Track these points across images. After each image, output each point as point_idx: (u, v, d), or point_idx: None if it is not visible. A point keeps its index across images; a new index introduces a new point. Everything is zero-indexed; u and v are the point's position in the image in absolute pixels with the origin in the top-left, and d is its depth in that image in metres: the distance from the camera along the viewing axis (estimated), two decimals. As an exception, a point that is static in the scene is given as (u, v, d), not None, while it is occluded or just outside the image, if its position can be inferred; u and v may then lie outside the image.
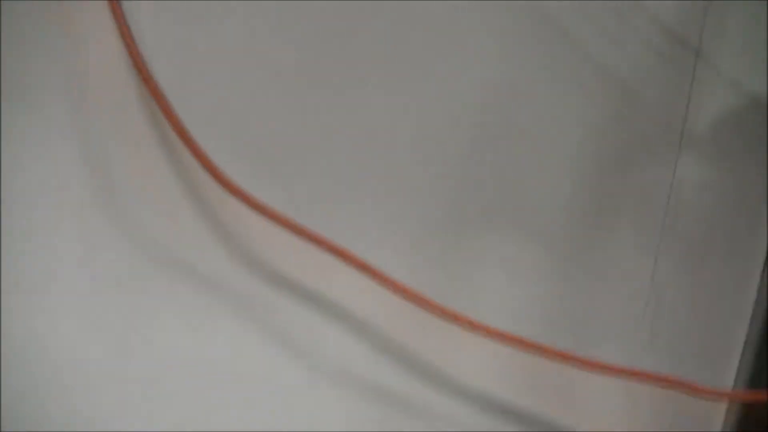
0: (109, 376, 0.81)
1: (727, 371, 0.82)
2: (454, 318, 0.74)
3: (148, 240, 0.78)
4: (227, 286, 0.79)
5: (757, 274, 0.80)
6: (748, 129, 0.77)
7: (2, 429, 0.81)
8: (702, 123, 0.77)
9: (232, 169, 0.74)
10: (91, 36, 0.73)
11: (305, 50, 0.75)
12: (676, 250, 0.79)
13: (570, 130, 0.77)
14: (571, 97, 0.77)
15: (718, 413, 0.83)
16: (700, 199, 0.79)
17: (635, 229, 0.79)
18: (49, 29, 0.73)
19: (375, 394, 0.81)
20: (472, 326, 0.74)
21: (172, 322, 0.80)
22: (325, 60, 0.75)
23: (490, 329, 0.74)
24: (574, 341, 0.78)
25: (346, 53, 0.76)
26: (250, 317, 0.80)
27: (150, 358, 0.81)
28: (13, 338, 0.79)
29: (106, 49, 0.74)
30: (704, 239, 0.80)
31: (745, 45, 0.76)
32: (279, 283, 0.79)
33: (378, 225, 0.78)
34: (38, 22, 0.73)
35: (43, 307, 0.79)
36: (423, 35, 0.75)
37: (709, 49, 0.76)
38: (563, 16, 0.75)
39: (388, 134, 0.77)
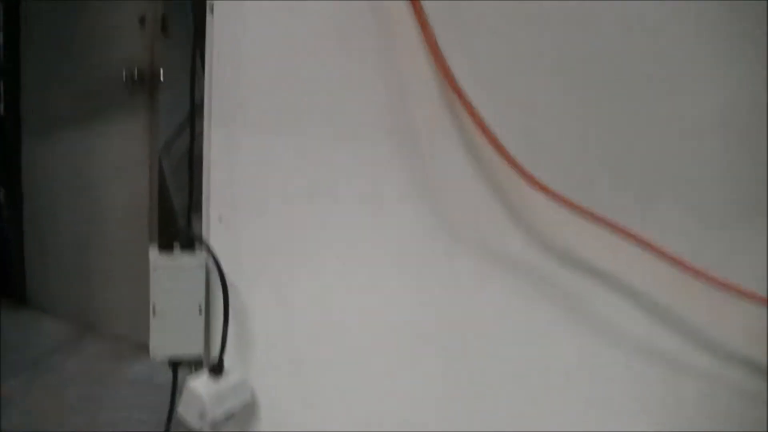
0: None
1: None
2: (724, 286, 0.78)
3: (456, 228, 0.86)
4: (523, 265, 0.85)
5: None
6: None
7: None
8: None
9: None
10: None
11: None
12: None
13: None
14: None
15: None
16: None
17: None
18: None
19: (650, 354, 0.86)
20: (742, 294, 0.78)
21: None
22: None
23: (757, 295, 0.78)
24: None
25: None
26: (544, 293, 0.85)
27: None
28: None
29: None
30: None
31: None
32: (570, 263, 0.84)
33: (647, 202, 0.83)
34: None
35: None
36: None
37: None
38: None
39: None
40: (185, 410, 0.93)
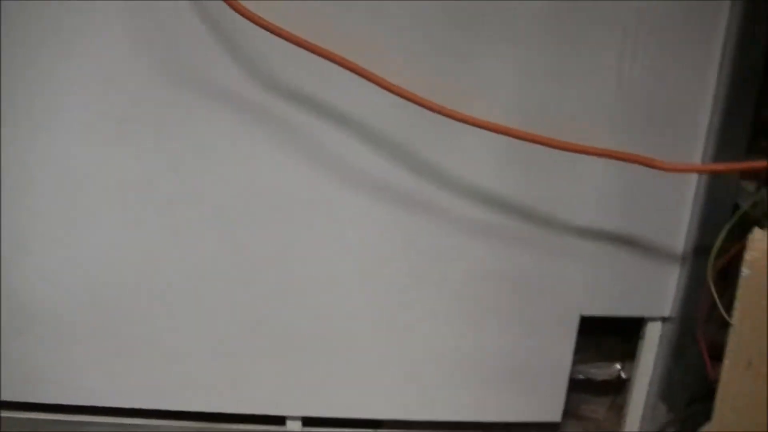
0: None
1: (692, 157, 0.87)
2: (447, 113, 0.75)
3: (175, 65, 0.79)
4: (242, 99, 0.80)
5: (715, 61, 0.84)
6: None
7: None
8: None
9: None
10: None
11: None
12: (641, 52, 0.82)
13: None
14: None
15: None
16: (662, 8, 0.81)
17: (604, 32, 0.81)
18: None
19: (383, 190, 0.85)
20: (467, 120, 0.75)
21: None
22: None
23: (484, 122, 0.76)
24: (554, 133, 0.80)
25: None
26: (267, 129, 0.81)
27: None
28: None
29: None
30: (664, 40, 0.82)
31: None
32: (291, 97, 0.80)
33: (378, 31, 0.78)
34: None
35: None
36: None
37: None
38: None
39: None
40: None
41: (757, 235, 0.69)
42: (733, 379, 0.70)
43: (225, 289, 0.89)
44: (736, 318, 0.70)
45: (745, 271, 0.69)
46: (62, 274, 0.88)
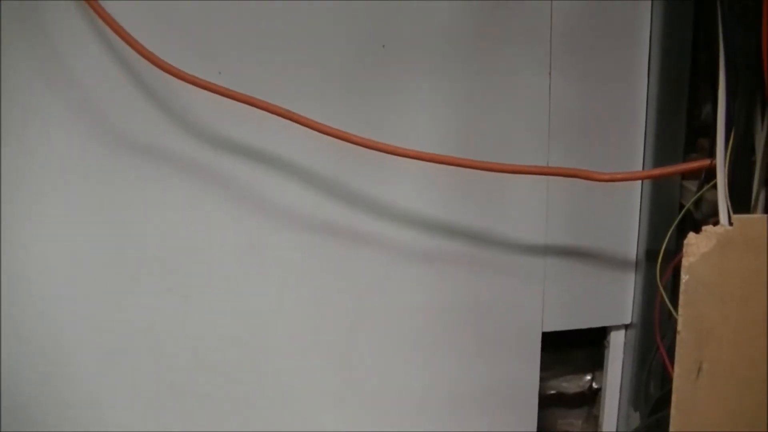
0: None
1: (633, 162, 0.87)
2: (377, 147, 0.76)
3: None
4: (181, 157, 0.80)
5: (644, 66, 0.84)
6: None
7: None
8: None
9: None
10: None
11: None
12: (566, 66, 0.83)
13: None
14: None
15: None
16: (581, 22, 0.82)
17: (527, 51, 0.82)
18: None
19: (322, 229, 0.85)
20: (396, 152, 0.76)
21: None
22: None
23: (414, 152, 0.77)
24: (488, 155, 0.81)
25: None
26: (201, 181, 0.81)
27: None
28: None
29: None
30: (589, 54, 0.84)
31: None
32: (221, 145, 0.80)
33: (294, 74, 0.79)
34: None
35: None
36: None
37: None
38: None
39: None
40: None
41: (691, 239, 0.68)
42: (685, 386, 0.70)
43: (177, 337, 0.87)
44: (682, 324, 0.70)
45: (684, 276, 0.69)
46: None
